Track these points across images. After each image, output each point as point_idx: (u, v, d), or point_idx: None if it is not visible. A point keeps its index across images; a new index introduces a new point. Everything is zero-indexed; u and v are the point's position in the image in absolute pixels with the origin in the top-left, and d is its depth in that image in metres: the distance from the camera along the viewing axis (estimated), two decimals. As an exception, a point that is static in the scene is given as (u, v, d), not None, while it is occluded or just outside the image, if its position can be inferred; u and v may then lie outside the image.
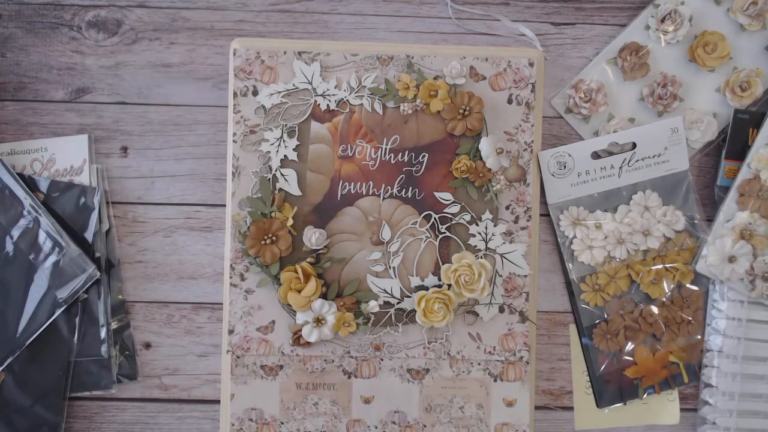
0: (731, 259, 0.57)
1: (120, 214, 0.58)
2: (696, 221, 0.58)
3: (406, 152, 0.55)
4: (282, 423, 0.52)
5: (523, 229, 0.56)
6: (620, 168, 0.58)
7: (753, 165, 0.57)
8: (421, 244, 0.54)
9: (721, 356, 0.58)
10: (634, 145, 0.57)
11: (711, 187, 0.59)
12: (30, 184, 0.57)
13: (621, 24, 0.59)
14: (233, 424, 0.56)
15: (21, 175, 0.56)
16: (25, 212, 0.56)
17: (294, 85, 0.55)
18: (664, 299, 0.59)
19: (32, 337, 0.56)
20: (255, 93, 0.55)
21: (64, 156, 0.57)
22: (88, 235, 0.57)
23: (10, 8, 0.57)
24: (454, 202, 0.55)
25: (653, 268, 0.58)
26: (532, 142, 0.56)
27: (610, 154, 0.58)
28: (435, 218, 0.55)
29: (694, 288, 0.59)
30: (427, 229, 0.55)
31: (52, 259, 0.56)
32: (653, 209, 0.58)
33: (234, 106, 0.55)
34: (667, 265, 0.58)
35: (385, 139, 0.55)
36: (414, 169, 0.55)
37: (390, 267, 0.54)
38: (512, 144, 0.56)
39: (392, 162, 0.55)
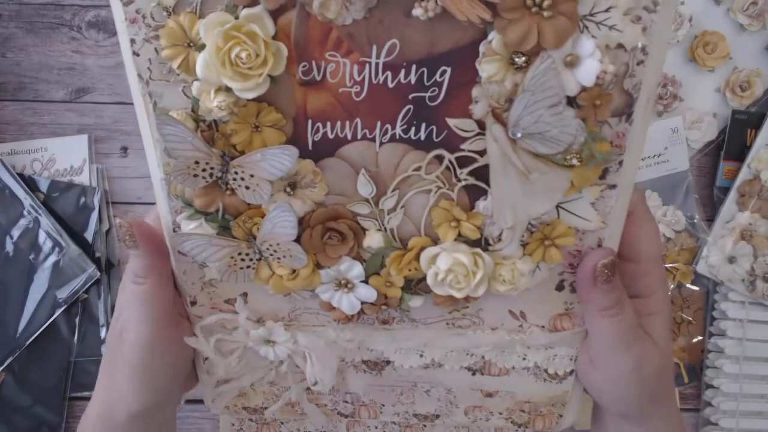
0: (732, 260, 0.57)
1: (120, 214, 0.58)
2: (696, 221, 0.59)
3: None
4: (282, 423, 0.52)
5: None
6: (620, 168, 0.58)
7: (753, 166, 0.57)
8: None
9: (722, 357, 0.58)
10: (634, 145, 0.58)
11: (711, 187, 0.59)
12: (30, 184, 0.57)
13: (621, 24, 0.59)
14: (233, 424, 0.56)
15: (21, 175, 0.57)
16: (25, 212, 0.56)
17: None
18: (664, 299, 0.59)
19: (32, 337, 0.56)
20: None
21: (64, 156, 0.57)
22: (88, 235, 0.57)
23: (10, 8, 0.57)
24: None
25: (653, 268, 0.59)
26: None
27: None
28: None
29: (695, 288, 0.59)
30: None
31: (52, 259, 0.56)
32: (653, 209, 0.58)
33: None
34: (667, 266, 0.59)
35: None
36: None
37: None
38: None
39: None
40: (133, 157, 0.58)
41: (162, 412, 0.41)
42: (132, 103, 0.62)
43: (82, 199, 0.56)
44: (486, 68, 0.29)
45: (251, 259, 0.35)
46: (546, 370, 0.40)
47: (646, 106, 0.30)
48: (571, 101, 0.29)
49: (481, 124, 0.31)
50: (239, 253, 0.35)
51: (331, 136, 0.32)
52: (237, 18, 0.29)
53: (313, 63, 0.30)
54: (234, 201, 0.33)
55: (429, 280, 0.35)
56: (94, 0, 0.56)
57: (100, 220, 0.57)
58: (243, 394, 0.42)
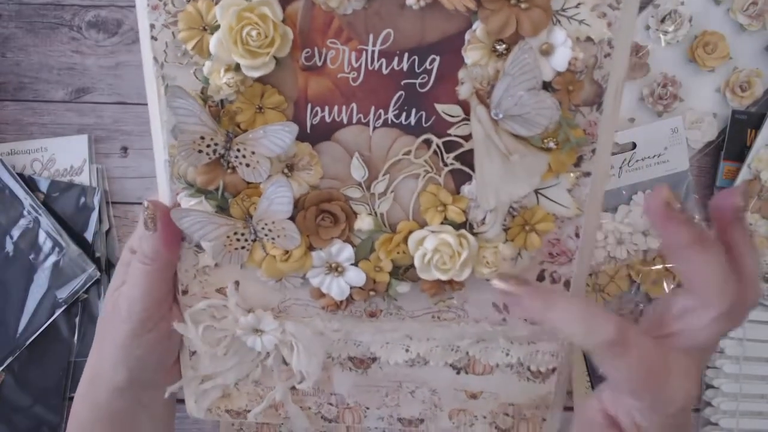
0: (731, 260, 0.57)
1: (120, 214, 0.59)
2: (696, 221, 0.59)
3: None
4: (282, 423, 0.52)
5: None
6: (620, 168, 0.58)
7: (753, 166, 0.57)
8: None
9: (722, 357, 0.58)
10: (634, 145, 0.58)
11: (711, 187, 0.59)
12: (30, 184, 0.57)
13: (621, 24, 0.59)
14: (233, 424, 0.56)
15: (21, 175, 0.57)
16: (25, 212, 0.56)
17: None
18: (664, 299, 0.59)
19: (32, 337, 0.56)
20: None
21: (64, 156, 0.58)
22: (88, 235, 0.57)
23: (10, 8, 0.57)
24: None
25: (653, 268, 0.59)
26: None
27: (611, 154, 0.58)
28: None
29: (695, 288, 0.60)
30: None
31: (52, 259, 0.56)
32: (653, 209, 0.58)
33: None
34: (667, 266, 0.59)
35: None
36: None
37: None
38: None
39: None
40: (133, 157, 0.58)
41: (148, 395, 0.42)
42: (132, 103, 0.63)
43: (82, 199, 0.57)
44: (471, 55, 0.33)
45: (246, 240, 0.37)
46: (529, 368, 0.41)
47: (615, 97, 0.34)
48: (546, 86, 0.33)
49: (466, 110, 0.34)
50: (235, 233, 0.36)
51: (328, 120, 0.35)
52: (249, 2, 0.32)
53: (315, 49, 0.34)
54: (234, 179, 0.35)
55: (416, 263, 0.36)
56: (94, 0, 0.56)
57: (100, 220, 0.57)
58: (227, 395, 0.43)
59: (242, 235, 0.37)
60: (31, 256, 0.56)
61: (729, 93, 0.57)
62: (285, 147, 0.34)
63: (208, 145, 0.34)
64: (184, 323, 0.40)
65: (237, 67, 0.33)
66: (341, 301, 0.39)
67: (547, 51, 0.32)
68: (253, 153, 0.34)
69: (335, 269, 0.38)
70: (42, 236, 0.56)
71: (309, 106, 0.35)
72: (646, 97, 0.58)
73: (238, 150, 0.34)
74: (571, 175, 0.35)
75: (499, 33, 0.31)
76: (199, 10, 0.32)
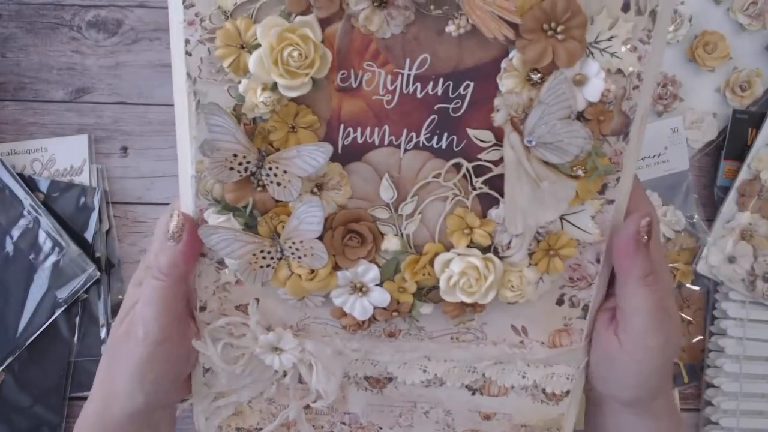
0: (732, 260, 0.57)
1: (120, 214, 0.59)
2: (696, 221, 0.59)
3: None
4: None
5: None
6: (620, 168, 0.58)
7: (753, 166, 0.57)
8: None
9: (723, 356, 0.58)
10: (634, 145, 0.58)
11: (711, 187, 0.60)
12: (30, 184, 0.57)
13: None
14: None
15: (21, 175, 0.57)
16: (25, 212, 0.56)
17: None
18: (664, 299, 0.59)
19: (32, 337, 0.57)
20: None
21: (64, 156, 0.58)
22: (88, 235, 0.57)
23: (10, 8, 0.58)
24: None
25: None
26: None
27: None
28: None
29: (695, 288, 0.60)
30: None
31: (52, 259, 0.56)
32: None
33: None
34: (668, 265, 0.59)
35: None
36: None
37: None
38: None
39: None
40: (133, 157, 0.58)
41: (158, 414, 0.41)
42: (132, 103, 0.63)
43: (82, 199, 0.57)
44: (506, 82, 0.34)
45: (272, 258, 0.37)
46: (544, 390, 0.42)
47: (640, 128, 0.35)
48: (578, 116, 0.34)
49: (497, 135, 0.35)
50: (261, 251, 0.36)
51: (360, 141, 0.36)
52: (290, 23, 0.33)
53: (352, 71, 0.34)
54: (264, 197, 0.35)
55: (441, 285, 0.37)
56: (94, 0, 0.56)
57: (100, 220, 0.57)
58: (239, 412, 0.43)
59: (268, 253, 0.37)
60: (31, 256, 0.56)
61: (729, 93, 0.58)
62: (318, 167, 0.34)
63: (240, 163, 0.34)
64: (202, 341, 0.39)
65: (274, 87, 0.33)
66: (363, 321, 0.39)
67: (580, 81, 0.33)
68: (285, 172, 0.34)
69: (359, 289, 0.38)
70: (42, 236, 0.56)
71: (341, 126, 0.35)
72: (646, 96, 0.58)
73: (270, 168, 0.34)
74: (596, 202, 0.36)
75: (535, 63, 0.32)
76: (237, 28, 0.32)
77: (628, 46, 0.33)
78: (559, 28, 0.32)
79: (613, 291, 0.39)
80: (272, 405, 0.42)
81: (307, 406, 0.42)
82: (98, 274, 0.57)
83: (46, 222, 0.56)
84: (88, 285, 0.57)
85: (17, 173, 0.57)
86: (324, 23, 0.33)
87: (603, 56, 0.33)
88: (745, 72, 0.57)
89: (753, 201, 0.57)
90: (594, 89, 0.33)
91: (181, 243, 0.35)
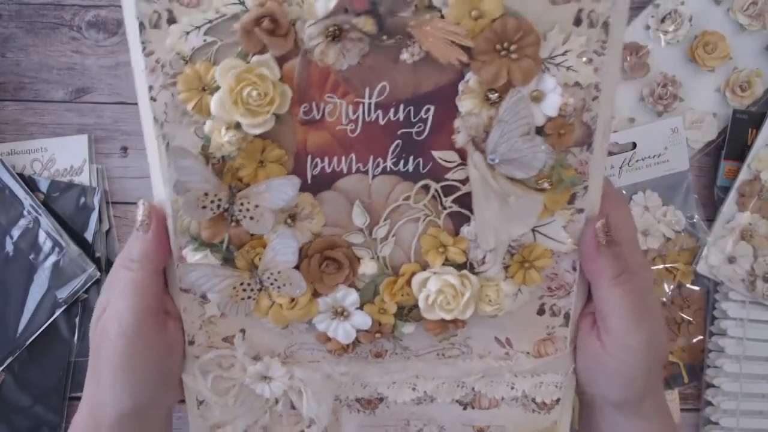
0: (732, 260, 0.57)
1: (120, 214, 0.59)
2: (696, 221, 0.59)
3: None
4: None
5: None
6: (620, 168, 0.58)
7: (753, 166, 0.57)
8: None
9: (723, 356, 0.58)
10: (634, 145, 0.58)
11: (711, 187, 0.60)
12: (30, 184, 0.57)
13: (621, 24, 0.60)
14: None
15: (21, 175, 0.57)
16: (25, 212, 0.56)
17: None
18: (664, 299, 0.59)
19: (32, 337, 0.57)
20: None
21: (64, 156, 0.58)
22: (88, 235, 0.57)
23: (10, 8, 0.58)
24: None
25: (654, 268, 0.59)
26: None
27: (610, 154, 0.58)
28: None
29: (695, 288, 0.60)
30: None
31: (52, 259, 0.56)
32: (653, 209, 0.58)
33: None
34: (667, 266, 0.59)
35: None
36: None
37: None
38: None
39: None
40: (133, 157, 0.58)
41: (149, 416, 0.41)
42: (132, 103, 0.63)
43: (82, 199, 0.57)
44: (465, 104, 0.34)
45: (252, 290, 0.38)
46: (534, 399, 0.42)
47: (603, 137, 0.36)
48: (539, 131, 0.34)
49: (462, 155, 0.36)
50: (241, 284, 0.37)
51: (328, 171, 0.36)
52: (248, 63, 0.33)
53: (313, 104, 0.35)
54: (238, 232, 0.36)
55: (420, 304, 0.37)
56: (94, 0, 0.56)
57: (100, 220, 0.57)
58: None
59: (248, 285, 0.37)
60: (31, 256, 0.57)
61: (729, 93, 0.58)
62: (288, 200, 0.35)
63: (212, 201, 0.35)
64: (192, 375, 0.40)
65: (237, 125, 0.33)
66: (348, 345, 0.39)
67: (537, 98, 0.33)
68: (257, 206, 0.35)
69: (341, 314, 0.38)
70: (42, 236, 0.56)
71: (309, 157, 0.36)
72: (646, 97, 0.58)
73: (242, 204, 0.35)
74: (566, 212, 0.37)
75: (491, 83, 0.33)
76: (197, 71, 0.33)
77: (584, 59, 0.33)
78: (512, 48, 0.32)
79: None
80: None
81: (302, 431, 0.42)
82: (98, 274, 0.57)
83: (46, 222, 0.56)
84: (88, 285, 0.57)
85: (17, 173, 0.57)
86: (281, 60, 0.33)
87: (559, 71, 0.33)
88: (745, 72, 0.57)
89: (753, 201, 0.57)
90: (552, 104, 0.33)
91: (150, 232, 0.35)
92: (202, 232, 0.36)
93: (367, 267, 0.37)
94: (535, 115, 0.34)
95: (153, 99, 0.34)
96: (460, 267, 0.38)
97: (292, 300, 0.37)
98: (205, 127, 0.34)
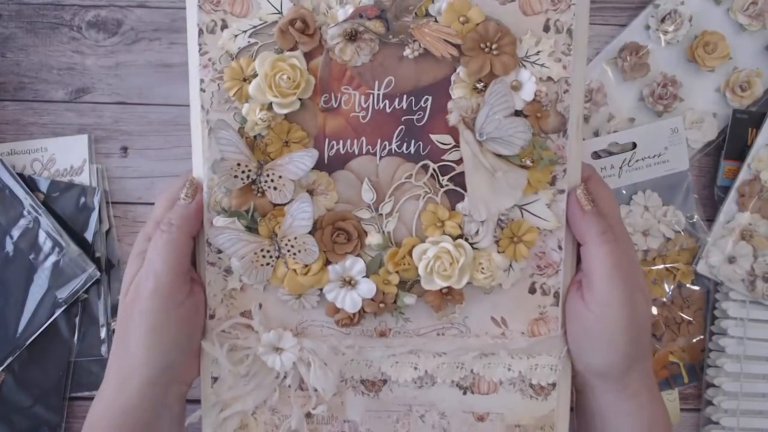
0: (732, 260, 0.58)
1: (120, 214, 0.61)
2: (696, 221, 0.59)
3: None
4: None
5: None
6: (620, 168, 0.59)
7: (753, 166, 0.59)
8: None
9: (723, 356, 0.59)
10: (634, 145, 0.59)
11: (711, 187, 0.61)
12: (30, 184, 0.60)
13: (621, 24, 0.60)
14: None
15: (21, 175, 0.59)
16: (25, 212, 0.57)
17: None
18: (664, 299, 0.60)
19: (32, 337, 0.60)
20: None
21: (64, 156, 0.60)
22: (88, 235, 0.59)
23: (10, 8, 0.60)
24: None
25: (653, 268, 0.59)
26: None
27: (610, 154, 0.59)
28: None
29: (695, 288, 0.61)
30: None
31: (52, 259, 0.58)
32: (653, 209, 0.59)
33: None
34: (667, 266, 0.59)
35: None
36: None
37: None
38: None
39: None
40: (133, 157, 0.59)
41: (170, 390, 0.43)
42: (132, 103, 0.64)
43: (82, 199, 0.58)
44: (457, 92, 0.43)
45: (271, 256, 0.43)
46: (530, 383, 0.45)
47: (577, 125, 0.43)
48: (520, 114, 0.42)
49: (456, 138, 0.43)
50: (261, 249, 0.43)
51: (342, 152, 0.44)
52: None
53: (332, 94, 0.43)
54: (263, 202, 0.43)
55: (420, 272, 0.43)
56: (94, 0, 0.57)
57: (100, 220, 0.59)
58: (244, 425, 0.46)
59: (268, 252, 0.43)
60: (31, 256, 0.57)
61: (729, 93, 0.59)
62: (306, 170, 0.42)
63: (243, 171, 0.42)
64: (210, 343, 0.44)
65: (269, 107, 0.42)
66: (354, 315, 0.44)
67: (516, 87, 0.42)
68: (280, 177, 0.42)
69: (349, 282, 0.44)
70: (42, 236, 0.57)
71: (326, 140, 0.44)
72: (646, 97, 0.59)
73: (268, 175, 0.42)
74: (548, 191, 0.43)
75: (478, 73, 0.42)
76: (241, 65, 0.42)
77: (553, 58, 0.42)
78: (494, 46, 0.41)
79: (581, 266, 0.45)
80: (275, 416, 0.46)
81: (309, 415, 0.46)
82: (98, 274, 0.59)
83: (46, 222, 0.57)
84: (88, 285, 0.60)
85: (17, 173, 0.59)
86: (308, 57, 0.43)
87: (534, 67, 0.42)
88: (745, 72, 0.58)
89: (753, 201, 0.58)
90: (528, 91, 0.42)
91: (193, 202, 0.41)
92: (232, 201, 0.43)
93: (374, 238, 0.44)
94: (516, 101, 0.43)
95: (203, 90, 0.43)
96: (456, 239, 0.44)
97: (306, 266, 0.43)
98: (243, 110, 0.42)
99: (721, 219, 0.60)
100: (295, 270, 0.43)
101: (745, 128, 0.60)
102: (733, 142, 0.60)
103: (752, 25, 0.59)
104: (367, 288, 0.44)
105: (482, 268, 0.43)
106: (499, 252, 0.44)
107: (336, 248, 0.43)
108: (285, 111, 0.42)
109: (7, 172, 0.58)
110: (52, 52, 0.61)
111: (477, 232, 0.43)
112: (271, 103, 0.42)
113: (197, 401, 0.46)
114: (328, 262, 0.44)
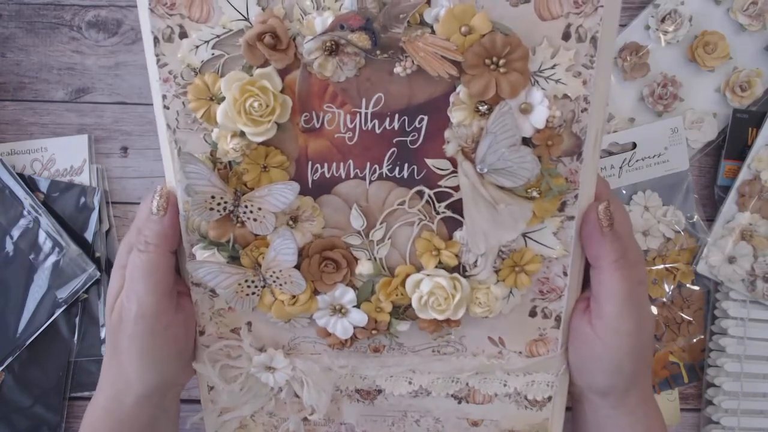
0: (732, 260, 0.58)
1: (120, 214, 0.60)
2: (696, 221, 0.59)
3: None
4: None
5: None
6: (620, 168, 0.58)
7: (753, 166, 0.58)
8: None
9: (723, 356, 0.59)
10: (634, 145, 0.58)
11: (711, 187, 0.60)
12: (30, 184, 0.58)
13: (621, 24, 0.60)
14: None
15: (21, 175, 0.58)
16: (25, 212, 0.57)
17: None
18: (664, 299, 0.60)
19: (32, 337, 0.58)
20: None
21: (64, 156, 0.59)
22: (88, 235, 0.58)
23: (10, 8, 0.59)
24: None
25: (653, 268, 0.59)
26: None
27: (610, 154, 0.59)
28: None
29: (695, 288, 0.60)
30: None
31: (52, 259, 0.57)
32: (653, 209, 0.59)
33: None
34: (667, 266, 0.59)
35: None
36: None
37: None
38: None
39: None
40: (133, 157, 0.59)
41: (167, 396, 0.43)
42: (132, 103, 0.64)
43: (82, 199, 0.57)
44: (456, 115, 0.36)
45: (256, 286, 0.40)
46: (526, 397, 0.44)
47: (594, 147, 0.37)
48: (528, 142, 0.36)
49: (454, 163, 0.38)
50: (246, 281, 0.40)
51: (327, 176, 0.39)
52: (251, 75, 0.35)
53: (313, 113, 0.37)
54: (243, 232, 0.39)
55: (414, 304, 0.39)
56: (94, 0, 0.57)
57: (100, 220, 0.58)
58: (243, 425, 0.46)
59: (252, 282, 0.40)
60: (31, 256, 0.57)
61: (729, 93, 0.58)
62: (287, 203, 0.37)
63: (218, 203, 0.38)
64: (202, 363, 0.42)
65: (242, 133, 0.36)
66: (346, 340, 0.41)
67: (526, 110, 0.35)
68: (260, 209, 0.38)
69: (339, 311, 0.41)
70: (42, 236, 0.57)
71: (309, 163, 0.39)
72: (646, 97, 0.58)
73: (246, 206, 0.38)
74: (556, 219, 0.38)
75: (480, 96, 0.35)
76: (206, 82, 0.36)
77: (572, 72, 0.35)
78: (501, 62, 0.34)
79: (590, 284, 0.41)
80: (273, 418, 0.45)
81: (306, 419, 0.45)
82: (98, 274, 0.58)
83: (46, 222, 0.57)
84: (88, 285, 0.58)
85: (17, 173, 0.58)
86: (284, 72, 0.36)
87: (548, 83, 0.35)
88: (745, 72, 0.58)
89: (753, 201, 0.58)
90: (539, 116, 0.35)
91: (167, 216, 0.38)
92: (209, 232, 0.38)
93: (364, 267, 0.39)
94: (524, 127, 0.36)
95: (166, 107, 0.37)
96: (452, 270, 0.40)
97: (293, 297, 0.40)
98: (213, 135, 0.37)
99: (721, 219, 0.59)
100: (282, 300, 0.40)
101: (745, 128, 0.59)
102: (733, 142, 0.59)
103: (752, 25, 0.57)
104: (359, 318, 0.41)
105: (480, 302, 0.40)
106: (498, 281, 0.40)
107: (324, 278, 0.39)
108: (260, 139, 0.36)
109: (7, 172, 0.57)
110: (52, 52, 0.59)
111: (475, 263, 0.39)
112: (243, 130, 0.36)
113: (197, 401, 0.46)
114: (316, 291, 0.40)
